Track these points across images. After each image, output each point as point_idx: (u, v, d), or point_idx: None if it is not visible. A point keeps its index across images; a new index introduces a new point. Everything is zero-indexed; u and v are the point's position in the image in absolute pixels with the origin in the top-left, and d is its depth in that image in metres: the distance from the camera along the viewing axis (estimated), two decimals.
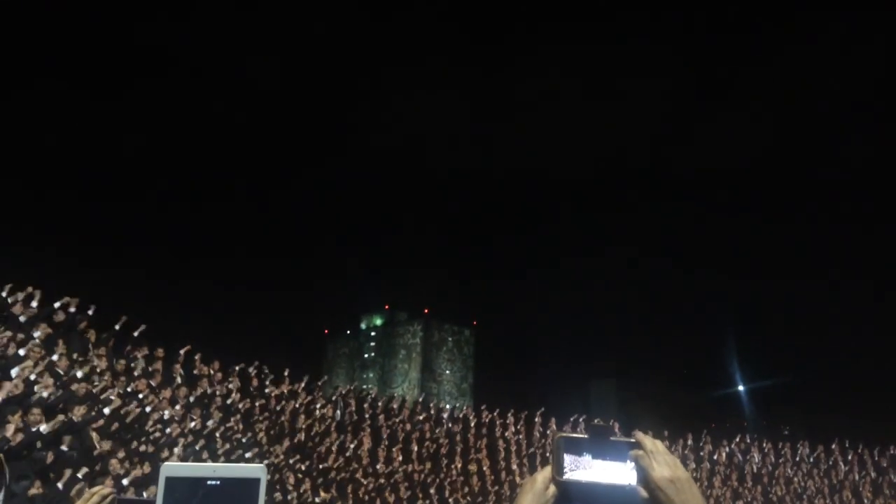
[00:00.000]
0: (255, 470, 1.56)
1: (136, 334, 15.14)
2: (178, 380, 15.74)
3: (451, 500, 17.54)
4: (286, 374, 18.47)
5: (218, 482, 1.52)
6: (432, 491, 17.67)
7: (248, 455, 14.73)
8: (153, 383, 15.03)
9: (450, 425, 21.36)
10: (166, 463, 1.56)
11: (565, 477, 1.51)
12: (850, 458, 24.69)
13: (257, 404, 16.62)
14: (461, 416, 22.60)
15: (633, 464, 1.46)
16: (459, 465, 19.11)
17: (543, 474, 1.56)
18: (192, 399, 15.34)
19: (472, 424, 21.38)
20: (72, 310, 13.86)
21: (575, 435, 1.53)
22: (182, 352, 16.27)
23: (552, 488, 1.53)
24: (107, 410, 12.50)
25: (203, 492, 1.51)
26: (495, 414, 21.56)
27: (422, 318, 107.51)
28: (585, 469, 1.50)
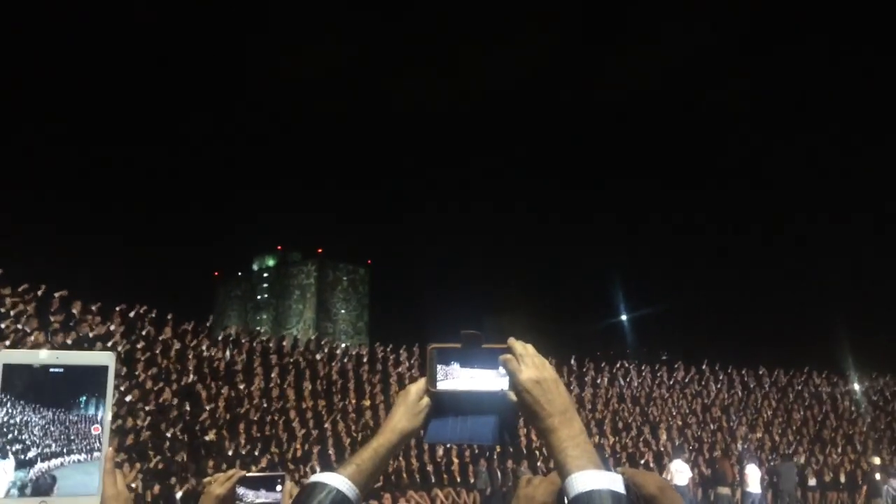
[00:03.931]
0: (103, 357, 1.45)
1: None
2: (55, 324, 14.96)
3: (343, 433, 17.73)
4: (172, 316, 17.91)
5: (62, 370, 1.40)
6: (326, 426, 17.78)
7: (128, 399, 14.30)
8: (28, 328, 14.21)
9: (344, 362, 21.43)
10: (3, 350, 1.44)
11: (438, 387, 1.50)
12: (720, 378, 26.58)
13: (139, 346, 16.07)
14: (355, 353, 22.70)
15: (504, 369, 1.45)
16: (353, 401, 19.28)
17: (417, 386, 1.55)
18: (69, 342, 14.62)
19: (366, 361, 21.53)
20: None
21: (447, 345, 1.51)
22: (57, 295, 15.41)
23: (425, 399, 1.53)
24: None
25: (46, 379, 1.40)
26: (388, 350, 21.78)
27: (316, 258, 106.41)
28: (458, 378, 1.49)
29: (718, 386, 26.27)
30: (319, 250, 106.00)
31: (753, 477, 16.11)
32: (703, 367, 26.73)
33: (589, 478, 1.27)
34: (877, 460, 20.25)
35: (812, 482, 20.67)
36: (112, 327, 15.95)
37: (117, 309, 16.56)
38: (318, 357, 20.71)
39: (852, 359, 29.66)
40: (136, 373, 15.37)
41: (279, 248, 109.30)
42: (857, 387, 27.79)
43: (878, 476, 18.70)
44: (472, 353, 1.50)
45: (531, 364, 1.42)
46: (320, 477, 1.47)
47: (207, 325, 19.48)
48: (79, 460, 1.41)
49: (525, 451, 18.97)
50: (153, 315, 17.43)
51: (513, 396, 1.43)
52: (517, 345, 1.46)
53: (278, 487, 2.71)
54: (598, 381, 24.72)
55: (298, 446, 16.78)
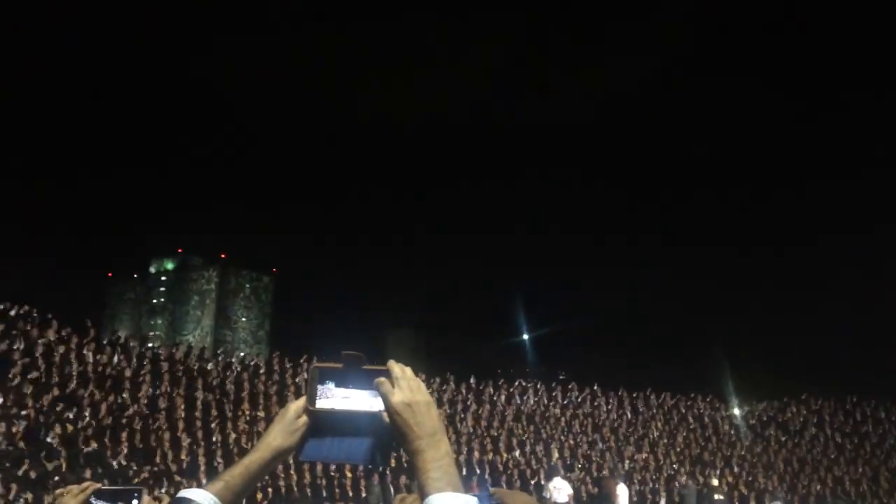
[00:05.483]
0: None
1: None
2: None
3: (234, 447, 17.27)
4: (55, 317, 17.04)
5: None
6: (215, 438, 17.28)
7: None
8: None
9: (239, 371, 20.90)
10: None
11: (317, 406, 1.52)
12: (610, 399, 27.42)
13: (17, 348, 15.21)
14: (252, 363, 22.18)
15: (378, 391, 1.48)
16: (248, 411, 18.82)
17: (296, 404, 1.56)
18: None
19: (263, 371, 21.08)
20: None
21: (329, 365, 1.53)
22: None
23: (303, 418, 1.55)
24: None
25: None
26: (286, 360, 21.41)
27: (218, 264, 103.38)
28: (337, 398, 1.52)
29: (609, 407, 27.09)
30: (223, 255, 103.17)
31: (623, 496, 16.76)
32: (595, 387, 27.54)
33: (446, 500, 1.32)
34: (714, 482, 21.35)
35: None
36: None
37: None
38: (209, 367, 20.12)
39: (733, 385, 31.30)
40: (12, 376, 14.54)
41: (179, 250, 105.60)
42: (736, 412, 29.29)
43: (717, 497, 19.70)
44: (353, 374, 1.52)
45: (405, 387, 1.46)
46: (186, 493, 1.46)
47: (93, 328, 18.63)
48: None
49: None
50: (35, 315, 16.55)
51: (387, 418, 1.46)
52: (395, 367, 1.49)
53: (134, 502, 2.64)
54: (496, 398, 25.07)
55: (185, 457, 16.23)
